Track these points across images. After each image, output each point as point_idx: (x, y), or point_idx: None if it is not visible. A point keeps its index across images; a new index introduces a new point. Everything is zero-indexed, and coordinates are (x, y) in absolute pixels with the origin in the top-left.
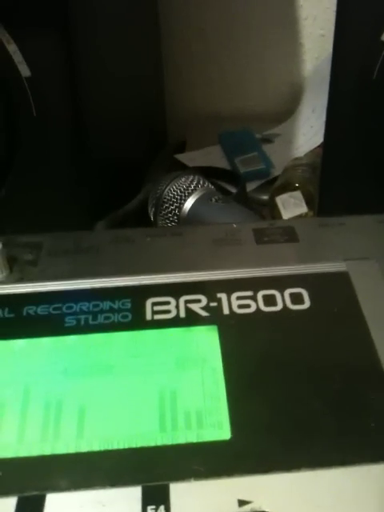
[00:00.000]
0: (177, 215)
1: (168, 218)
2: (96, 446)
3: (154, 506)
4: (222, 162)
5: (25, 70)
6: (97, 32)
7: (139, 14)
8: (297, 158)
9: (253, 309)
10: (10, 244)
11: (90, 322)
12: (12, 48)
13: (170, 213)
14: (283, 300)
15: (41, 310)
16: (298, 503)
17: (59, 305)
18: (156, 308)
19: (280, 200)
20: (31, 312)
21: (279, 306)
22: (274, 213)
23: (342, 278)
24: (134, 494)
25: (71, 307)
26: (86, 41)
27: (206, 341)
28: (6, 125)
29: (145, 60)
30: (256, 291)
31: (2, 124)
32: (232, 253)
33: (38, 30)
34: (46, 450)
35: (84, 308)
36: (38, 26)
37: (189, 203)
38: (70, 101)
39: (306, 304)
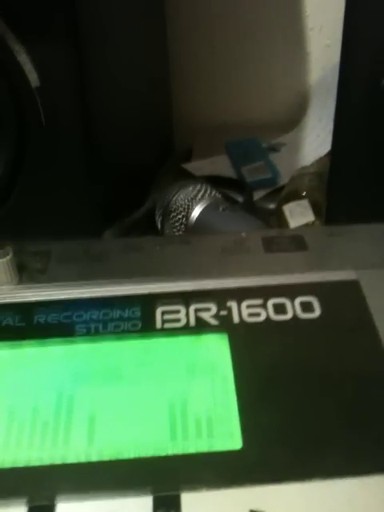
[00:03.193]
0: (184, 224)
1: (175, 227)
2: (106, 455)
3: None
4: (228, 171)
5: (35, 80)
6: (106, 42)
7: (147, 23)
8: (303, 167)
9: (263, 317)
10: (19, 252)
11: (100, 330)
12: (22, 58)
13: (178, 221)
14: (293, 308)
15: (51, 318)
16: None
17: (69, 313)
18: (166, 316)
19: (287, 209)
20: (41, 320)
21: (289, 315)
22: (281, 221)
23: (353, 287)
24: (145, 503)
25: (81, 315)
26: (95, 50)
27: (217, 349)
28: (15, 134)
29: (152, 69)
30: (266, 300)
31: (11, 133)
32: (241, 261)
33: (49, 40)
34: (57, 458)
35: (94, 316)
36: (48, 36)
37: (196, 212)
38: (79, 110)
39: (317, 312)
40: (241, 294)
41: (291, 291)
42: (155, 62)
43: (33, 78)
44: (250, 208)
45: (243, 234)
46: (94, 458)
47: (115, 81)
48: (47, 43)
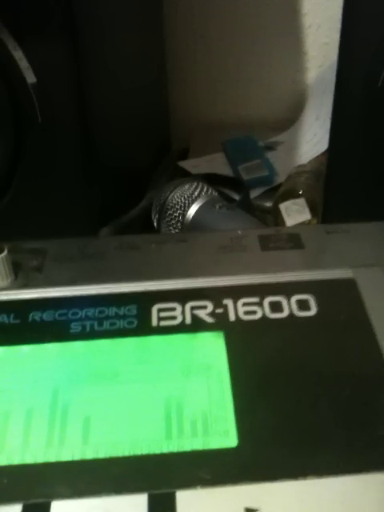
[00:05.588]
0: (180, 222)
1: (172, 225)
2: (102, 453)
3: None
4: (225, 169)
5: (31, 77)
6: (103, 39)
7: (144, 21)
8: (300, 166)
9: (259, 315)
10: (15, 250)
11: (96, 328)
12: (18, 54)
13: (174, 219)
14: (290, 307)
15: (46, 315)
16: (306, 511)
17: (64, 311)
18: (162, 314)
19: (283, 207)
20: (36, 318)
21: (286, 313)
22: (278, 220)
23: (349, 285)
24: (140, 501)
25: (77, 313)
26: (92, 48)
27: (212, 347)
28: (11, 131)
29: (149, 67)
30: (262, 298)
31: (7, 130)
32: (237, 259)
33: (45, 38)
34: (52, 457)
35: (89, 314)
36: (44, 32)
37: (193, 210)
38: (76, 107)
39: (313, 311)
40: (237, 292)
41: (287, 289)
42: (152, 60)
43: (29, 74)
44: (247, 206)
45: (240, 232)
46: (89, 456)
47: (112, 78)
48: (44, 41)
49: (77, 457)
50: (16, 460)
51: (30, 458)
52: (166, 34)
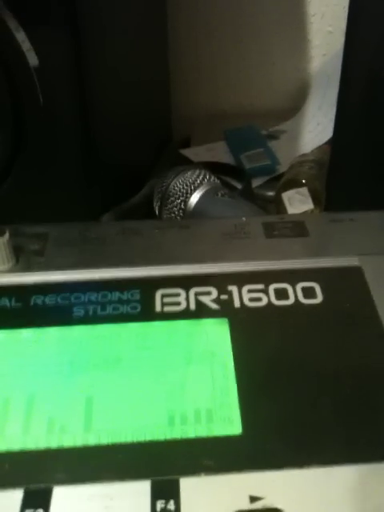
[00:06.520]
0: (182, 209)
1: (173, 212)
2: (104, 439)
3: (163, 501)
4: (227, 158)
5: (33, 59)
6: (104, 31)
7: (146, 12)
8: (303, 155)
9: (264, 302)
10: (16, 234)
11: (99, 312)
12: (20, 36)
13: (176, 207)
14: (295, 294)
15: (48, 299)
16: (310, 500)
17: (67, 294)
18: (166, 299)
19: (286, 196)
20: (38, 302)
21: (291, 300)
22: (280, 209)
23: (355, 273)
24: (143, 488)
25: (79, 297)
26: (93, 40)
27: (217, 334)
28: (11, 116)
29: (151, 56)
30: (267, 285)
31: (7, 119)
32: (242, 246)
33: (46, 31)
34: (53, 442)
35: (92, 298)
36: (45, 26)
37: (195, 197)
38: (77, 100)
39: (319, 298)
40: (242, 279)
41: (293, 277)
42: (154, 49)
43: (31, 55)
44: (249, 195)
45: (244, 219)
46: (92, 442)
47: (113, 73)
48: (45, 36)
49: (79, 443)
50: (17, 445)
51: (31, 444)
52: (168, 24)
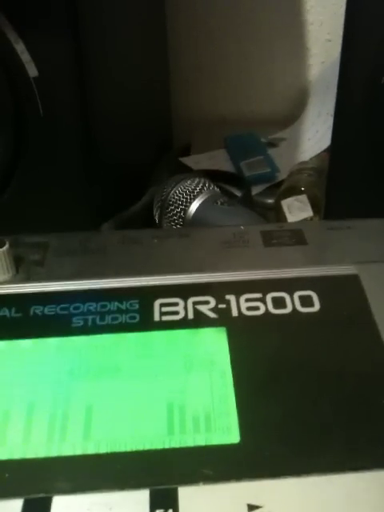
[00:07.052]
0: (182, 218)
1: (173, 221)
2: (103, 448)
3: (162, 510)
4: (227, 166)
5: (32, 70)
6: (105, 35)
7: (146, 18)
8: (302, 162)
9: (262, 311)
10: (16, 244)
11: (98, 322)
12: (20, 47)
13: (176, 215)
14: (293, 302)
15: (48, 310)
16: (309, 509)
17: (66, 305)
18: (164, 309)
19: (285, 204)
20: (38, 312)
21: (289, 309)
22: (280, 216)
23: (352, 281)
24: (142, 497)
25: (78, 307)
26: (94, 44)
27: (215, 343)
28: (12, 125)
29: (151, 63)
30: (265, 293)
31: (8, 123)
32: (240, 255)
33: (46, 33)
34: (53, 451)
35: (91, 308)
36: (46, 26)
37: (194, 206)
38: (78, 102)
39: (316, 307)
40: (240, 288)
41: (290, 285)
42: (154, 57)
43: (31, 67)
44: (248, 203)
45: (242, 228)
46: (91, 451)
47: (114, 75)
48: (45, 38)
49: (78, 452)
50: (17, 455)
51: (31, 453)
52: (169, 30)
